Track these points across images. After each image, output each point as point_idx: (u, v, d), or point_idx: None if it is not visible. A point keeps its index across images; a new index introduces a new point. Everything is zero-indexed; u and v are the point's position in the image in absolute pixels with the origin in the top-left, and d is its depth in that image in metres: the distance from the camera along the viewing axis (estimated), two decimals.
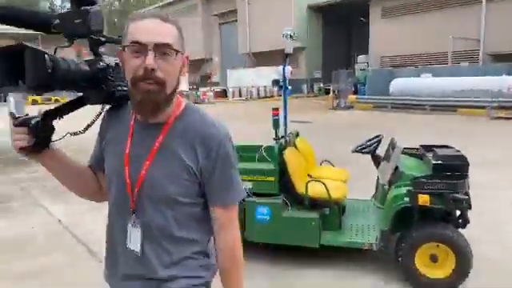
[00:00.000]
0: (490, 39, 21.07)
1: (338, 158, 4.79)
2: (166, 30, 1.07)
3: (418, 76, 19.24)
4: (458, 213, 3.22)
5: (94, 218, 4.91)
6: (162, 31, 1.06)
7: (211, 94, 28.37)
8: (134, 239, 1.18)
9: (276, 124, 3.74)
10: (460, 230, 3.15)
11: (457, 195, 2.93)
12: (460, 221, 3.23)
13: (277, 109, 3.78)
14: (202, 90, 29.33)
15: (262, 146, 3.75)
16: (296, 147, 3.94)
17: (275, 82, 30.70)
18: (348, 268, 3.42)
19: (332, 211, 3.48)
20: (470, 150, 6.75)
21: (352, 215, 3.80)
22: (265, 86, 29.55)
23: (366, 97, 20.63)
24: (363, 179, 4.75)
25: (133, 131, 1.19)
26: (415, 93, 18.04)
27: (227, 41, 39.69)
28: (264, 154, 3.65)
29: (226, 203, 1.21)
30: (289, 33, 3.99)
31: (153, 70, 1.03)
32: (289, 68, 3.98)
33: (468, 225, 3.20)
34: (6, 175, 7.43)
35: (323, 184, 3.36)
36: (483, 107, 15.16)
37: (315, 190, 3.38)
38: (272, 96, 29.09)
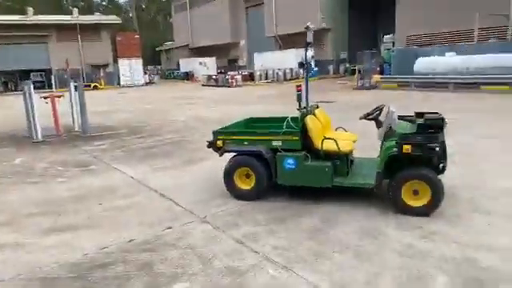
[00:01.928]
0: None
1: (352, 129, 5.91)
2: None
3: (443, 54, 19.61)
4: (438, 162, 4.33)
5: (154, 175, 6.36)
6: None
7: (239, 77, 29.52)
8: None
9: (299, 97, 4.92)
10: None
11: (431, 145, 4.04)
12: (439, 167, 4.36)
13: (299, 85, 4.96)
14: (230, 73, 30.51)
15: (287, 117, 5.01)
16: (315, 115, 5.11)
17: (301, 64, 31.51)
18: (352, 202, 4.62)
19: (341, 162, 4.68)
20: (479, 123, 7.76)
21: (358, 167, 4.99)
22: (291, 69, 30.40)
23: (389, 76, 21.19)
24: (372, 147, 5.88)
25: None
26: (439, 71, 18.52)
27: (254, 24, 40.48)
28: (290, 122, 4.90)
29: None
30: (310, 26, 5.09)
31: None
32: (310, 53, 5.09)
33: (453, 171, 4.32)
34: (77, 148, 9.03)
35: (334, 141, 4.55)
36: (506, 83, 15.57)
37: (328, 146, 4.58)
38: (298, 78, 29.91)
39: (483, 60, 17.28)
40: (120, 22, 41.40)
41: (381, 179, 4.37)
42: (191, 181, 5.98)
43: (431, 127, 4.23)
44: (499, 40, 21.43)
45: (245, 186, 4.97)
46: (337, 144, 4.52)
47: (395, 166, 4.32)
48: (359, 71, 22.19)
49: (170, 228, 4.26)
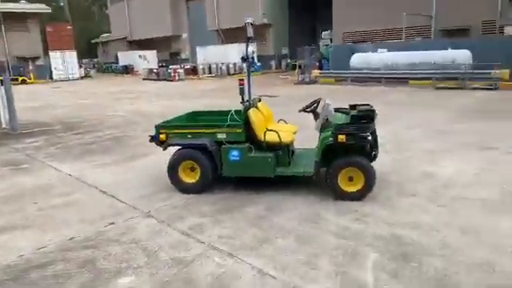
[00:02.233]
0: (440, 15, 22.92)
1: (293, 121, 6.15)
2: None
3: (375, 51, 20.91)
4: (370, 150, 4.69)
5: (94, 172, 6.15)
6: None
7: (181, 71, 28.99)
8: None
9: (242, 91, 5.04)
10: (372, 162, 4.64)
11: (363, 134, 4.38)
12: (372, 155, 4.73)
13: (242, 79, 5.09)
14: (172, 67, 29.83)
15: (230, 110, 5.13)
16: (258, 109, 5.27)
17: (243, 59, 31.76)
18: (294, 191, 4.85)
19: (283, 152, 4.89)
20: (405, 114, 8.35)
21: (299, 157, 5.24)
22: (234, 63, 30.48)
23: (328, 71, 22.14)
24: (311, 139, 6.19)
25: None
26: (372, 67, 19.73)
27: (196, 18, 39.88)
28: (234, 115, 5.02)
29: None
30: (249, 21, 5.21)
31: None
32: (251, 48, 5.22)
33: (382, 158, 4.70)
34: (6, 146, 8.37)
35: (276, 133, 4.74)
36: (429, 78, 17.01)
37: (270, 137, 4.76)
38: (241, 72, 30.08)
39: (410, 57, 18.72)
40: (49, 10, 38.45)
41: (319, 167, 4.64)
42: (134, 176, 5.86)
43: (363, 118, 4.57)
44: (424, 38, 23.33)
45: (190, 179, 4.99)
46: (278, 135, 4.71)
47: (331, 155, 4.62)
48: (300, 66, 22.89)
49: (112, 224, 4.18)
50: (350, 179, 4.56)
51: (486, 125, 8.55)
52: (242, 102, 5.09)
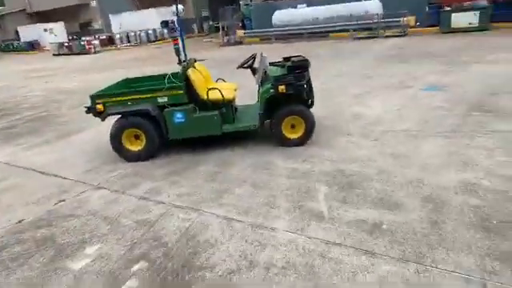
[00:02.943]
0: None
1: (230, 80, 6.24)
2: None
3: (295, 7, 21.27)
4: (307, 98, 4.99)
5: (26, 155, 5.75)
6: None
7: (97, 42, 26.88)
8: None
9: (177, 51, 4.96)
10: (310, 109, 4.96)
11: (300, 83, 4.64)
12: (309, 102, 5.05)
13: (176, 38, 4.99)
14: (85, 39, 27.49)
15: (166, 73, 5.06)
16: (195, 68, 5.24)
17: (164, 24, 30.30)
18: (242, 145, 5.05)
19: (227, 109, 5.00)
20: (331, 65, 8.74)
21: (242, 114, 5.39)
22: (154, 29, 28.98)
23: (252, 31, 22.13)
24: (252, 93, 6.35)
25: None
26: (295, 23, 20.14)
27: None
28: (171, 78, 4.96)
29: None
30: None
31: None
32: (181, 6, 5.10)
33: (318, 105, 5.02)
34: None
35: (219, 90, 4.81)
36: (347, 30, 17.91)
37: (214, 96, 4.82)
38: (163, 38, 28.79)
39: (328, 10, 19.41)
40: None
41: (263, 119, 4.85)
42: (72, 153, 5.59)
43: (298, 68, 4.81)
44: None
45: (135, 146, 4.92)
46: (221, 93, 4.79)
47: (272, 106, 4.84)
48: (223, 28, 22.53)
49: (62, 201, 4.04)
50: (293, 126, 4.86)
51: (400, 67, 9.40)
52: (179, 62, 5.02)
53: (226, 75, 5.76)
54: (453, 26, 15.47)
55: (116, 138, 4.85)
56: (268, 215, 3.29)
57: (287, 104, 4.84)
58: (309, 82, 4.92)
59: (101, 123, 5.12)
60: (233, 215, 3.36)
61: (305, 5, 21.08)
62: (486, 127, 4.82)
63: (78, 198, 4.08)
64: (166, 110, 4.80)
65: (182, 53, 5.08)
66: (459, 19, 15.40)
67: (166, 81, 4.96)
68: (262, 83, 4.95)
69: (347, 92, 7.50)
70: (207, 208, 3.53)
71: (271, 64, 5.32)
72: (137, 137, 4.93)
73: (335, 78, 9.01)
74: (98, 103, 4.83)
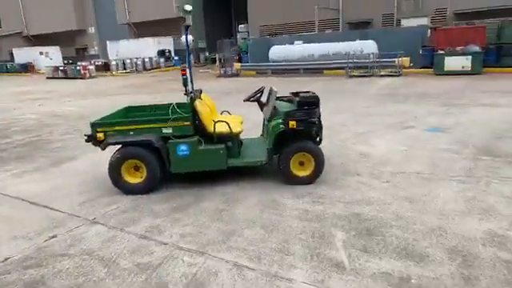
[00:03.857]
0: (346, 9, 24.65)
1: (232, 112, 6.10)
2: None
3: (292, 43, 21.72)
4: (315, 134, 4.84)
5: (14, 182, 5.43)
6: None
7: (92, 67, 26.86)
8: None
9: (185, 81, 4.80)
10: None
11: (311, 119, 4.50)
12: (317, 139, 4.89)
13: (184, 69, 4.85)
14: (81, 64, 27.47)
15: (171, 103, 4.91)
16: (201, 99, 5.08)
17: (161, 53, 30.61)
18: (247, 181, 4.81)
19: (233, 143, 4.80)
20: (329, 101, 8.67)
21: (247, 148, 5.20)
22: (150, 58, 29.19)
23: (249, 64, 22.41)
24: (254, 127, 6.19)
25: None
26: (290, 58, 20.48)
27: (103, 10, 37.23)
28: (176, 108, 4.80)
29: None
30: (188, 9, 4.98)
31: None
32: (191, 37, 5.00)
33: (323, 142, 4.87)
34: None
35: (227, 123, 4.63)
36: (342, 68, 18.22)
37: (221, 128, 4.63)
38: (158, 67, 28.96)
39: (324, 48, 19.83)
40: None
41: (272, 155, 4.66)
42: (66, 182, 5.26)
43: (309, 104, 4.68)
44: (334, 30, 24.90)
45: (135, 179, 4.64)
46: (229, 126, 4.61)
47: (281, 142, 4.66)
48: (220, 60, 22.77)
49: (54, 237, 3.70)
50: (301, 164, 4.66)
51: (398, 107, 9.43)
52: (186, 93, 4.85)
53: (228, 107, 5.59)
54: (446, 68, 15.85)
55: (115, 169, 4.57)
56: (283, 263, 3.02)
57: (296, 140, 4.67)
58: (319, 119, 4.77)
59: (96, 151, 4.87)
60: (244, 261, 3.07)
61: (301, 42, 21.55)
62: (499, 173, 4.70)
63: (71, 233, 3.74)
64: (170, 141, 4.58)
65: (190, 83, 4.92)
66: (452, 62, 15.81)
67: (170, 111, 4.79)
68: (270, 118, 4.78)
69: (349, 129, 7.41)
70: (215, 252, 3.24)
71: (278, 98, 5.19)
72: (137, 168, 4.66)
73: (335, 114, 8.94)
74: (99, 131, 4.59)
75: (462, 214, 3.66)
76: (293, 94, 5.22)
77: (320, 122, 4.79)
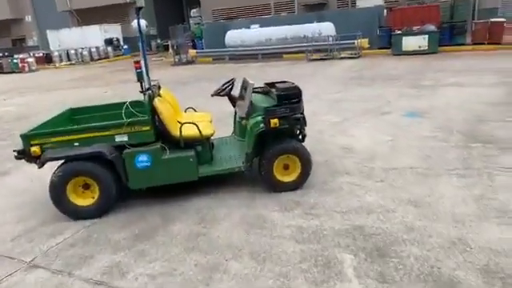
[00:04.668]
0: None
1: (197, 106, 5.30)
2: None
3: (248, 27, 20.83)
4: (297, 131, 4.19)
5: None
6: None
7: (32, 60, 24.39)
8: None
9: (140, 76, 3.94)
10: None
11: (295, 115, 3.84)
12: (300, 136, 4.23)
13: (138, 62, 3.97)
14: (18, 56, 24.86)
15: (124, 102, 4.02)
16: (161, 97, 4.24)
17: (109, 42, 28.44)
18: (222, 186, 4.09)
19: (204, 147, 4.03)
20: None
21: (219, 150, 4.44)
22: (97, 47, 27.03)
23: (205, 50, 21.31)
24: (219, 122, 5.43)
25: None
26: (248, 43, 19.62)
27: None
28: (130, 108, 3.93)
29: None
30: None
31: None
32: (144, 22, 4.12)
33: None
34: None
35: (195, 125, 3.84)
36: (303, 52, 17.70)
37: (189, 132, 3.84)
38: (107, 57, 26.94)
39: (282, 31, 19.16)
40: None
41: (251, 159, 3.96)
42: None
43: (291, 97, 3.99)
44: (289, 13, 24.28)
45: (84, 200, 3.76)
46: (198, 128, 3.83)
47: (261, 142, 3.97)
48: (173, 47, 21.44)
49: None
50: (286, 167, 4.01)
51: (366, 91, 9.01)
52: (143, 90, 3.99)
53: (190, 100, 4.80)
54: (404, 48, 15.81)
55: (58, 190, 3.65)
56: None
57: (278, 140, 3.99)
58: (302, 114, 4.11)
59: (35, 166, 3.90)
60: None
61: (258, 25, 20.72)
62: (498, 162, 4.32)
63: (1, 286, 2.85)
64: (127, 151, 3.73)
65: (146, 78, 4.05)
66: (410, 42, 15.79)
67: (123, 112, 3.91)
68: (247, 115, 4.05)
69: (323, 119, 6.83)
70: None
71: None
72: (86, 186, 3.77)
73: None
74: (34, 145, 3.63)
75: (478, 220, 3.20)
76: (268, 84, 4.50)
77: (304, 117, 4.13)
